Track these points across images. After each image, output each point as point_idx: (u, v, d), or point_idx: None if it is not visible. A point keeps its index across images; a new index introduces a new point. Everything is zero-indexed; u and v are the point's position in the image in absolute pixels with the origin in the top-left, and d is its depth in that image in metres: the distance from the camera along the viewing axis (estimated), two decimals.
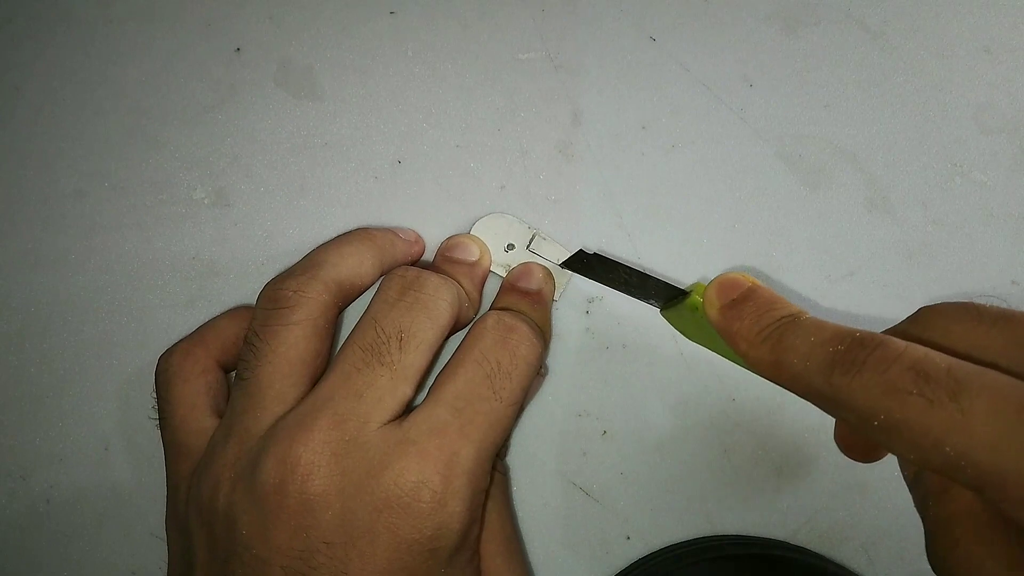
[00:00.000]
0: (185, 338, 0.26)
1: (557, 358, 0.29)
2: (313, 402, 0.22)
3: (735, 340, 0.20)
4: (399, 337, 0.23)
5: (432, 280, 0.24)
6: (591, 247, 0.30)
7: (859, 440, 0.21)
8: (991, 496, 0.15)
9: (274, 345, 0.23)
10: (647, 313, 0.29)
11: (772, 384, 0.29)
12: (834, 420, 0.21)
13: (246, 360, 0.23)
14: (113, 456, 0.28)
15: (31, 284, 0.29)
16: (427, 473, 0.21)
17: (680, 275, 0.30)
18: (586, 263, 0.27)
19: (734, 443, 0.29)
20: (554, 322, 0.29)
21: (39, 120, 0.31)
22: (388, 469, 0.21)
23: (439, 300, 0.24)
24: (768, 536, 0.28)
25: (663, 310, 0.26)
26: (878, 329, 0.30)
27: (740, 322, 0.20)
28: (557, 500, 0.28)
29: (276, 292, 0.24)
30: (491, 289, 0.29)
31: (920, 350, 0.16)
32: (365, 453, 0.21)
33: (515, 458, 0.28)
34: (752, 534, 0.28)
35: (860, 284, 0.30)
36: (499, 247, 0.29)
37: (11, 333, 0.29)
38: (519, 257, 0.29)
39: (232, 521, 0.21)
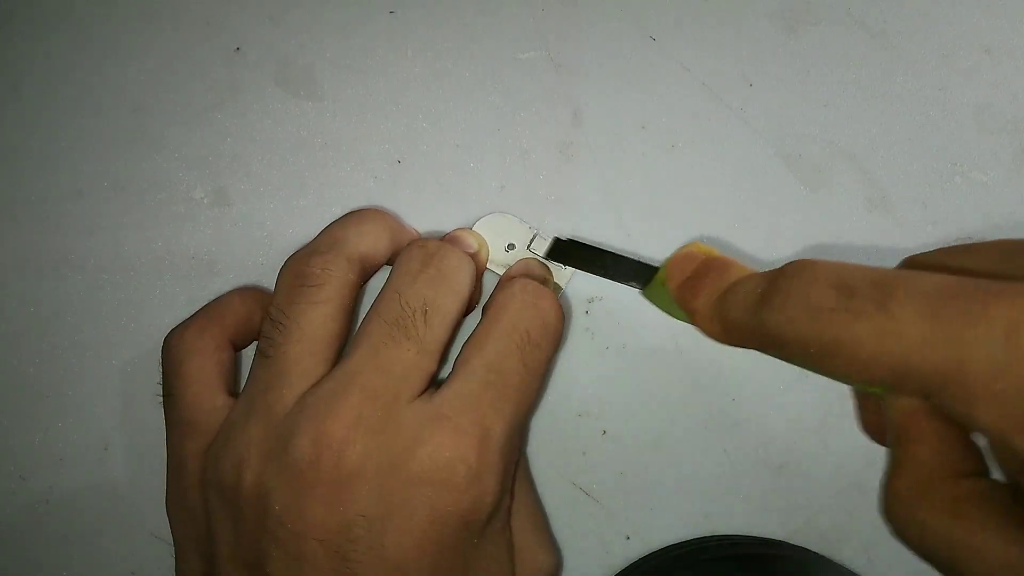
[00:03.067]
0: (196, 315, 0.26)
1: (557, 358, 0.29)
2: (341, 378, 0.22)
3: (693, 318, 0.20)
4: (424, 310, 0.23)
5: (453, 252, 0.24)
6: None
7: (883, 422, 0.20)
8: (939, 400, 0.14)
9: (302, 323, 0.23)
10: (647, 313, 0.29)
11: (772, 384, 0.29)
12: (853, 411, 0.21)
13: (271, 337, 0.23)
14: (113, 456, 0.28)
15: (31, 284, 0.29)
16: (462, 449, 0.21)
17: None
18: (563, 250, 0.27)
19: (734, 443, 0.29)
20: None
21: (38, 120, 0.31)
22: (424, 445, 0.21)
23: (460, 272, 0.24)
24: (768, 536, 0.28)
25: (643, 291, 0.26)
26: None
27: (696, 299, 0.20)
28: (557, 500, 0.28)
29: (303, 269, 0.24)
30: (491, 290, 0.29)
31: (840, 265, 0.16)
32: (398, 429, 0.21)
33: None
34: (752, 534, 0.28)
35: None
36: (500, 247, 0.29)
37: (11, 333, 0.29)
38: (519, 257, 0.29)
39: (263, 499, 0.21)
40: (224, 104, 0.31)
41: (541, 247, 0.28)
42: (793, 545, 0.28)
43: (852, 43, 0.32)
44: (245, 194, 0.30)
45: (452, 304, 0.23)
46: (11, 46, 0.31)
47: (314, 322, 0.23)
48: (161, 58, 0.31)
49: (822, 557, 0.28)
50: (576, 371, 0.29)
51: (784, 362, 0.19)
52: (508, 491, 0.23)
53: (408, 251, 0.25)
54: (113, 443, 0.29)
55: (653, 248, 0.30)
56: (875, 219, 0.30)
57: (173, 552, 0.27)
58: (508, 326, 0.23)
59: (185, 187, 0.30)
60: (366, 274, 0.25)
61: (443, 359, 0.24)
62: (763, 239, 0.30)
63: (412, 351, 0.22)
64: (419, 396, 0.22)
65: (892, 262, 0.30)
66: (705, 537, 0.28)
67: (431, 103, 0.31)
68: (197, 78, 0.31)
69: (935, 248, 0.30)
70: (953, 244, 0.30)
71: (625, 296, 0.29)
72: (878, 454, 0.29)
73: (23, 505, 0.28)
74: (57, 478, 0.28)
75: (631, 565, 0.28)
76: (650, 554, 0.28)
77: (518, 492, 0.25)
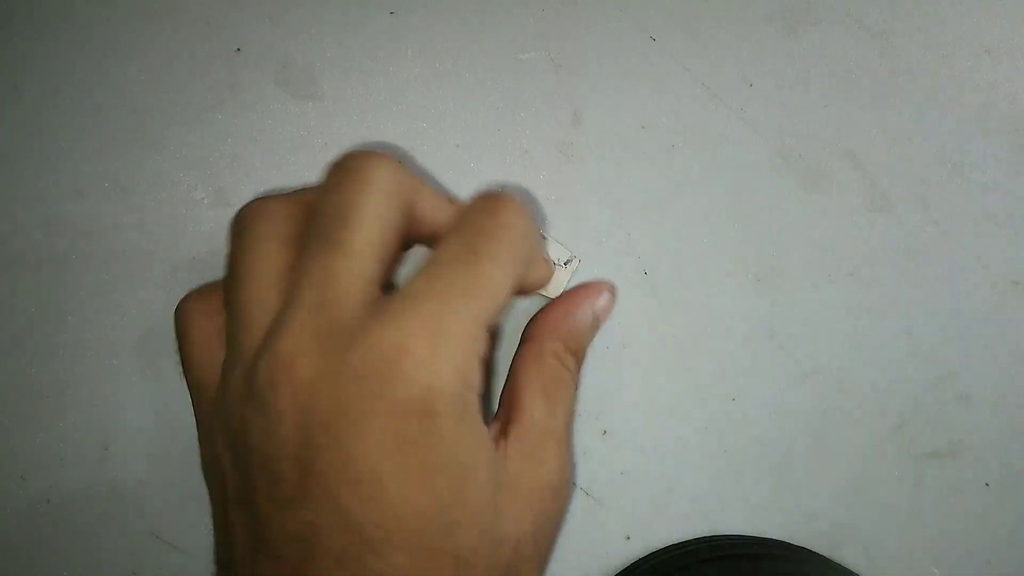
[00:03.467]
0: (202, 285, 0.26)
1: None
2: (288, 300, 0.22)
3: None
4: (341, 214, 0.22)
5: (363, 155, 0.24)
6: (591, 247, 0.30)
7: None
8: None
9: (244, 263, 0.23)
10: (647, 313, 0.29)
11: (772, 384, 0.29)
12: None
13: (227, 284, 0.24)
14: (113, 456, 0.28)
15: (31, 284, 0.29)
16: (404, 337, 0.21)
17: (680, 274, 0.30)
18: None
19: (734, 443, 0.29)
20: None
21: (38, 120, 0.31)
22: (366, 339, 0.21)
23: (373, 170, 0.23)
24: (768, 536, 0.28)
25: None
26: (879, 331, 0.30)
27: None
28: None
29: (241, 211, 0.24)
30: None
31: None
32: (343, 330, 0.21)
33: None
34: (752, 534, 0.28)
35: (860, 284, 0.30)
36: None
37: (11, 333, 0.29)
38: None
39: (245, 434, 0.22)
40: (224, 104, 0.31)
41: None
42: (793, 545, 0.28)
43: (852, 43, 0.32)
44: (245, 194, 0.30)
45: (373, 203, 0.23)
46: (11, 46, 0.31)
47: (258, 261, 0.23)
48: (161, 58, 0.31)
49: (822, 557, 0.28)
50: None
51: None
52: (474, 388, 0.22)
53: (324, 171, 0.24)
54: (113, 443, 0.29)
55: (652, 247, 0.30)
56: (875, 219, 0.30)
57: (173, 552, 0.27)
58: (459, 226, 0.23)
59: (185, 187, 0.30)
60: (309, 208, 0.25)
61: (393, 262, 0.23)
62: (763, 239, 0.30)
63: (340, 257, 0.22)
64: (368, 301, 0.22)
65: (892, 262, 0.30)
66: (705, 537, 0.28)
67: (431, 103, 0.31)
68: (197, 78, 0.31)
69: (935, 248, 0.30)
70: (954, 245, 0.30)
71: (625, 296, 0.29)
72: (878, 454, 0.29)
73: (23, 505, 0.28)
74: (57, 478, 0.28)
75: (631, 565, 0.28)
76: (650, 554, 0.28)
77: (557, 409, 0.25)
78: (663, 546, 0.28)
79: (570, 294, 0.28)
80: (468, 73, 0.31)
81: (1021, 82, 0.32)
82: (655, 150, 0.31)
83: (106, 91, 0.31)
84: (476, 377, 0.22)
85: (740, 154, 0.31)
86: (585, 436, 0.29)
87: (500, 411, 0.25)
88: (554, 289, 0.28)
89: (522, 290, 0.26)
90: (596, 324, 0.28)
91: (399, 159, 0.30)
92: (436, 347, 0.21)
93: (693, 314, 0.29)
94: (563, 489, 0.24)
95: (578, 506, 0.28)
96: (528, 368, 0.25)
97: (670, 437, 0.29)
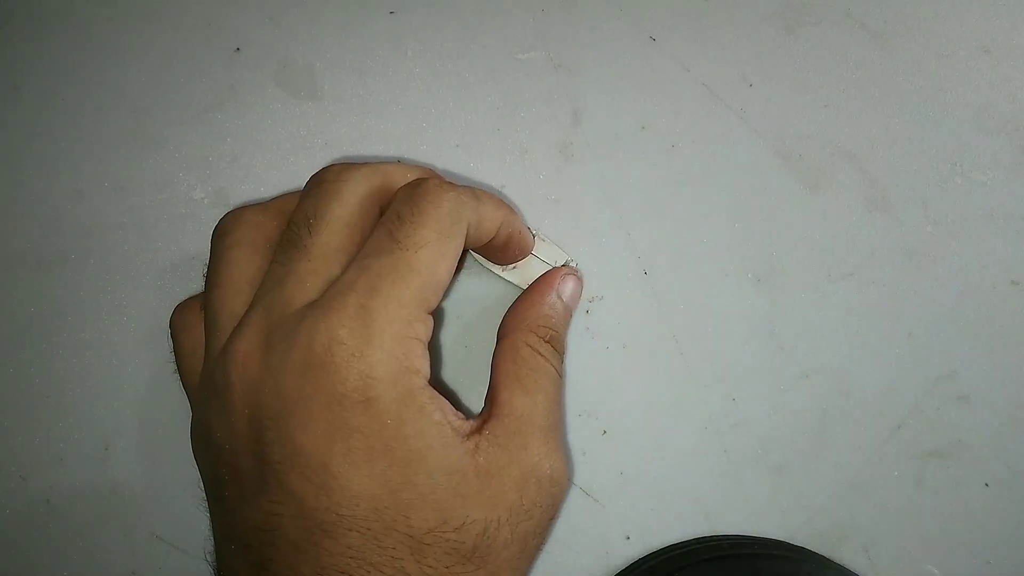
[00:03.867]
0: (197, 294, 0.27)
1: None
2: (251, 303, 0.23)
3: None
4: (308, 222, 0.24)
5: (334, 168, 0.25)
6: (591, 247, 0.30)
7: None
8: None
9: (219, 270, 0.24)
10: (647, 313, 0.29)
11: (772, 384, 0.29)
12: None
13: (205, 291, 0.25)
14: (113, 456, 0.28)
15: (31, 284, 0.29)
16: (334, 329, 0.21)
17: (680, 274, 0.30)
18: None
19: (734, 443, 0.29)
20: None
21: (38, 120, 0.31)
22: (302, 334, 0.22)
23: (341, 182, 0.24)
24: (768, 536, 0.28)
25: None
26: (879, 331, 0.30)
27: None
28: None
29: (219, 222, 0.25)
30: (484, 294, 0.29)
31: None
32: (287, 329, 0.22)
33: None
34: (752, 534, 0.28)
35: (860, 284, 0.30)
36: None
37: (11, 333, 0.29)
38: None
39: (210, 432, 0.23)
40: (224, 104, 0.31)
41: (540, 247, 0.29)
42: (792, 545, 0.28)
43: (852, 43, 0.32)
44: (245, 194, 0.30)
45: (337, 209, 0.24)
46: (11, 46, 0.31)
47: (229, 266, 0.24)
48: (161, 58, 0.31)
49: (822, 557, 0.28)
50: (576, 371, 0.29)
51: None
52: (416, 371, 0.22)
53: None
54: (113, 443, 0.29)
55: (652, 248, 0.30)
56: (875, 219, 0.30)
57: (173, 552, 0.27)
58: (385, 218, 0.24)
59: (185, 187, 0.30)
60: (281, 216, 0.26)
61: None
62: (763, 239, 0.30)
63: (302, 260, 0.23)
64: (315, 298, 0.23)
65: (892, 262, 0.30)
66: (705, 537, 0.28)
67: (431, 103, 0.31)
68: (197, 78, 0.31)
69: (935, 248, 0.30)
70: (955, 246, 0.30)
71: (625, 296, 0.29)
72: (878, 454, 0.29)
73: (23, 505, 0.28)
74: (57, 478, 0.28)
75: (631, 565, 0.28)
76: (650, 554, 0.28)
77: (536, 404, 0.25)
78: (663, 546, 0.28)
79: (534, 284, 0.28)
80: (468, 73, 0.31)
81: (1021, 82, 0.32)
82: (655, 150, 0.31)
83: (106, 91, 0.31)
84: (417, 361, 0.22)
85: (740, 154, 0.31)
86: (585, 436, 0.29)
87: (483, 409, 0.25)
88: (525, 281, 0.28)
89: (492, 247, 0.26)
90: (567, 309, 0.28)
91: (399, 159, 0.30)
92: (367, 336, 0.21)
93: (693, 314, 0.29)
94: (551, 478, 0.24)
95: (578, 506, 0.28)
96: (504, 362, 0.25)
97: (670, 437, 0.29)
